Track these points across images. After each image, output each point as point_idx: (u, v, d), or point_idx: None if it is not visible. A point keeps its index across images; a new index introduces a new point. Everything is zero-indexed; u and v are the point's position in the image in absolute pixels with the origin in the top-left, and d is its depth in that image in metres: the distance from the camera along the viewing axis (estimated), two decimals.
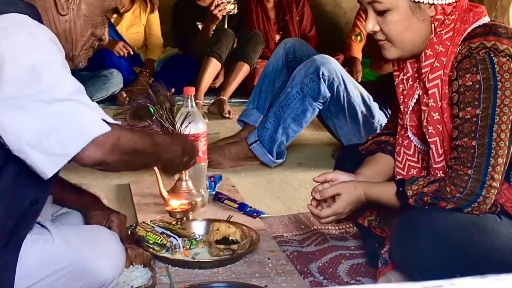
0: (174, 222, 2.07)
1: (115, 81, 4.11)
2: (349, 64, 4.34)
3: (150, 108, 2.08)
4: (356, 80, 4.26)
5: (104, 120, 1.33)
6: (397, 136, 1.85)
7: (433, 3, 1.60)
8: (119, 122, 1.44)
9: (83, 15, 1.54)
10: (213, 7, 4.19)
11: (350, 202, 1.76)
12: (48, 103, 1.29)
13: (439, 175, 1.67)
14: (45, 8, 1.49)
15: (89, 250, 1.45)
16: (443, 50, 1.61)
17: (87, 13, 1.54)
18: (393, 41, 1.66)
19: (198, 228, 2.08)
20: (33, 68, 1.30)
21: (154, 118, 2.08)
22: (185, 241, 1.95)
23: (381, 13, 1.63)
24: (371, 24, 1.66)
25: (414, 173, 1.80)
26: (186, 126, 2.16)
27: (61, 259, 1.43)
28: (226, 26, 4.39)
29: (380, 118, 2.85)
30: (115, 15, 4.16)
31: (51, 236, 1.44)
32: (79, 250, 1.44)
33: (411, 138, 1.79)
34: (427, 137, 1.68)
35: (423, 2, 1.59)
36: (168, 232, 1.95)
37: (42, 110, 1.28)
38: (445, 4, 1.60)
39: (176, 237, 1.94)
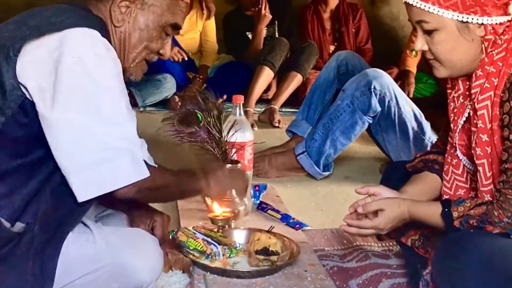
0: (215, 230, 2.07)
1: (168, 86, 4.16)
2: (402, 77, 4.30)
3: (198, 115, 2.10)
4: (408, 93, 4.22)
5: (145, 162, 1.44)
6: (446, 155, 1.81)
7: (482, 23, 1.56)
8: (155, 165, 1.52)
9: (138, 28, 1.57)
10: (262, 8, 4.31)
11: (393, 219, 1.73)
12: (102, 136, 1.38)
13: (486, 198, 1.62)
14: (103, 17, 1.54)
15: (128, 251, 1.47)
16: (494, 70, 1.57)
17: (142, 26, 1.57)
18: (441, 61, 1.63)
19: (239, 236, 2.07)
20: (92, 97, 1.38)
21: (201, 124, 2.10)
22: (225, 249, 1.95)
23: (429, 33, 1.60)
24: (419, 43, 1.63)
25: (462, 193, 1.75)
26: (233, 134, 2.17)
27: (101, 259, 1.45)
28: (277, 35, 4.42)
29: (431, 135, 2.80)
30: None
31: (92, 235, 1.47)
32: (119, 251, 1.46)
33: (460, 158, 1.75)
34: (475, 158, 1.63)
35: (471, 22, 1.56)
36: (209, 239, 1.95)
37: (95, 141, 1.38)
38: (496, 24, 1.56)
39: (216, 244, 1.94)
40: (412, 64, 4.36)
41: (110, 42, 1.49)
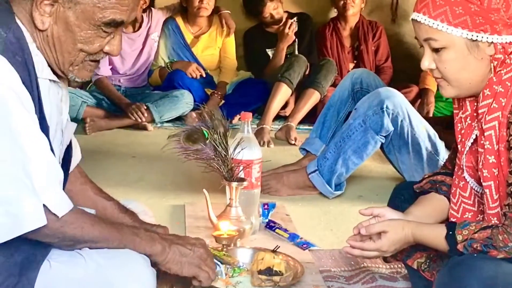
0: (219, 248, 2.05)
1: (186, 102, 4.16)
2: (422, 95, 4.25)
3: (204, 132, 2.09)
4: (428, 111, 4.17)
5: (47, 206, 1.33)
6: (453, 177, 1.77)
7: (492, 42, 1.52)
8: (69, 207, 1.40)
9: (68, 29, 1.39)
10: (287, 28, 4.32)
11: (396, 241, 1.69)
12: None
13: (493, 221, 1.58)
14: (26, 20, 1.39)
15: (117, 273, 1.43)
16: (503, 90, 1.53)
17: (72, 28, 1.38)
18: (449, 80, 1.59)
19: (243, 256, 2.05)
20: None
21: (207, 141, 2.09)
22: (228, 268, 1.92)
23: (437, 51, 1.57)
24: (427, 61, 1.60)
25: (469, 216, 1.71)
26: (239, 152, 2.16)
27: (90, 282, 1.42)
28: (297, 52, 4.41)
29: (445, 156, 2.75)
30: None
31: (83, 258, 1.44)
32: (108, 273, 1.42)
33: (468, 180, 1.70)
34: (481, 181, 1.59)
35: (481, 40, 1.52)
36: None
37: None
38: (506, 42, 1.52)
39: (219, 263, 1.91)
40: (432, 82, 4.30)
41: (28, 48, 1.37)
